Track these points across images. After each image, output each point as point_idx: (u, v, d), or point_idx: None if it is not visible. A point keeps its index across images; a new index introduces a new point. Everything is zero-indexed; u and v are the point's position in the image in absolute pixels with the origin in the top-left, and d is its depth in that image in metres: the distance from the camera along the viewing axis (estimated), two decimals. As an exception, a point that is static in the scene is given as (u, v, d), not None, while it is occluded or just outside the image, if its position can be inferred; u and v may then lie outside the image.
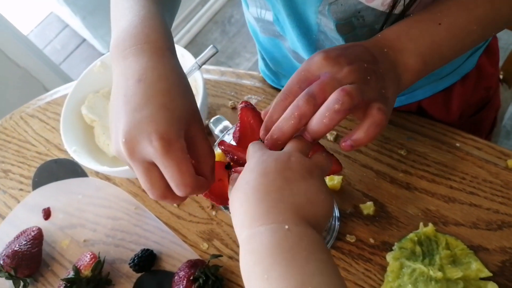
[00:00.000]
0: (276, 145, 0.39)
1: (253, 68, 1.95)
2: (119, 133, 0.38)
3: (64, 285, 0.58)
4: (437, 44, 0.44)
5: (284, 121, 0.38)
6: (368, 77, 0.39)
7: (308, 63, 0.40)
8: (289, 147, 0.39)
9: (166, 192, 0.39)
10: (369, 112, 0.38)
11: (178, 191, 0.38)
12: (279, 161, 0.36)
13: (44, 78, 1.77)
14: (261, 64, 0.74)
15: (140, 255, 0.61)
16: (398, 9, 0.46)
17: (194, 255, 0.61)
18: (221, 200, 0.43)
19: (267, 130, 0.40)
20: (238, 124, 0.45)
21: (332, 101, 0.36)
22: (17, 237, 0.67)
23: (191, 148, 0.40)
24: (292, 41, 0.59)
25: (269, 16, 0.58)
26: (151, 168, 0.38)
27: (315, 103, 0.37)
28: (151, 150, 0.37)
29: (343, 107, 0.36)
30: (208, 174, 0.41)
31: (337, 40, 0.52)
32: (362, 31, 0.50)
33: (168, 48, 0.42)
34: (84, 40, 2.32)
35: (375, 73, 0.40)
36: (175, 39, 0.72)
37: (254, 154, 0.39)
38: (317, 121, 0.37)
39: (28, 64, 1.71)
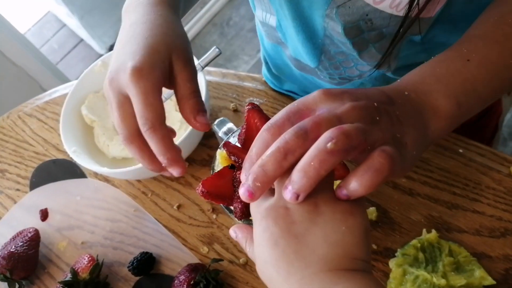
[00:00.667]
0: (258, 191, 0.32)
1: (252, 70, 1.95)
2: (112, 65, 0.43)
3: (61, 288, 0.57)
4: (470, 82, 0.38)
5: (267, 158, 0.31)
6: (377, 117, 0.33)
7: (305, 97, 0.34)
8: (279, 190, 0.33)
9: (135, 133, 0.41)
10: (370, 155, 0.30)
11: (141, 125, 0.39)
12: (279, 220, 0.31)
13: (40, 78, 1.76)
14: (264, 68, 0.74)
15: (139, 258, 0.60)
16: (413, 12, 0.44)
17: (194, 259, 0.60)
18: (221, 199, 0.42)
19: (253, 172, 0.32)
20: (244, 126, 0.44)
21: (324, 139, 0.29)
22: (13, 238, 0.66)
23: (174, 86, 0.43)
24: (294, 48, 0.58)
25: (272, 21, 0.58)
26: (124, 101, 0.40)
27: (306, 138, 0.30)
28: (124, 79, 0.39)
29: (337, 147, 0.29)
30: (186, 114, 0.43)
31: (344, 44, 0.52)
32: (370, 35, 0.50)
33: (164, 1, 0.47)
34: (82, 40, 2.31)
35: (389, 114, 0.34)
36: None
37: (254, 216, 0.34)
38: (304, 163, 0.29)
39: (25, 63, 1.70)
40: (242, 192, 0.32)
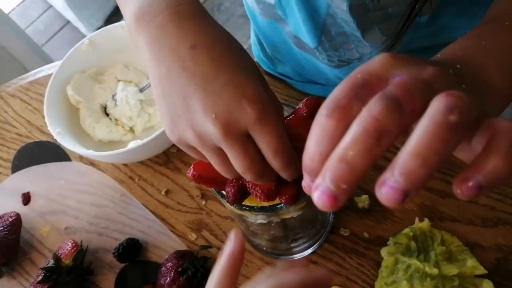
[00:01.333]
0: (343, 195, 0.22)
1: (242, 57, 1.92)
2: (198, 112, 0.32)
3: (43, 274, 0.55)
4: None
5: (353, 147, 0.21)
6: (463, 85, 0.27)
7: (365, 64, 0.26)
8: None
9: (266, 167, 0.34)
10: (496, 126, 0.22)
11: (276, 160, 0.33)
12: None
13: (25, 59, 1.71)
14: (255, 49, 0.72)
15: (125, 244, 0.58)
16: None
17: (182, 246, 0.59)
18: (213, 183, 0.40)
19: (313, 174, 0.24)
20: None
21: (441, 109, 0.21)
22: (-6, 222, 0.63)
23: None
24: (295, 25, 0.56)
25: None
26: (248, 142, 0.33)
27: (402, 113, 0.22)
28: (247, 118, 0.32)
29: (462, 120, 0.20)
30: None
31: (347, 23, 0.50)
32: (375, 15, 0.48)
33: (203, 8, 0.37)
34: (68, 22, 2.25)
35: (466, 83, 0.28)
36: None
37: None
38: (420, 146, 0.20)
39: (9, 43, 1.65)
40: (319, 197, 0.22)
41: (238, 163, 0.34)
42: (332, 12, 0.51)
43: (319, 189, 0.22)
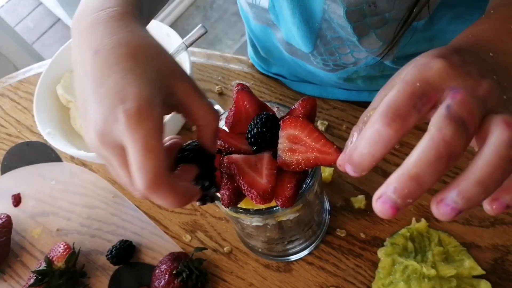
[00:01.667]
0: (405, 206, 0.24)
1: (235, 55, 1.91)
2: (89, 119, 0.31)
3: (35, 277, 0.54)
4: None
5: (425, 169, 0.23)
6: (495, 76, 0.27)
7: (423, 71, 0.26)
8: None
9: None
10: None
11: (138, 177, 0.29)
12: None
13: (14, 57, 1.68)
14: (250, 50, 0.71)
15: (118, 246, 0.57)
16: None
17: (176, 248, 0.58)
18: None
19: (358, 169, 0.26)
20: (232, 108, 0.42)
21: (504, 143, 0.23)
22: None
23: (186, 112, 0.34)
24: (287, 31, 0.55)
25: (264, 2, 0.54)
26: (124, 155, 0.30)
27: (468, 136, 0.24)
28: (118, 127, 0.30)
29: None
30: (209, 142, 0.36)
31: (344, 28, 0.49)
32: (372, 20, 0.48)
33: (128, 12, 0.36)
34: (59, 19, 2.22)
35: (497, 74, 0.28)
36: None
37: None
38: (484, 175, 0.23)
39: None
40: (382, 206, 0.24)
41: (117, 175, 0.33)
42: (327, 18, 0.50)
43: (383, 199, 0.24)
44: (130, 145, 0.30)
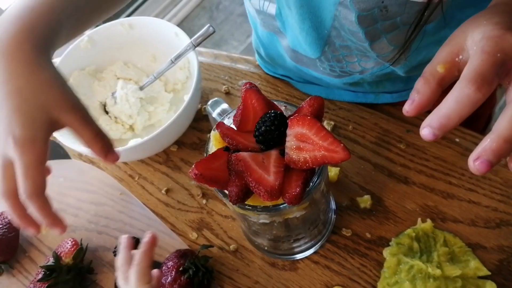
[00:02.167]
0: (495, 164, 0.32)
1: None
2: None
3: (43, 272, 0.54)
4: None
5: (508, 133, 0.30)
6: None
7: (500, 43, 0.31)
8: None
9: (11, 193, 0.42)
10: None
11: (20, 194, 0.41)
12: None
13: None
14: (257, 55, 0.71)
15: None
16: None
17: (182, 245, 0.58)
18: (215, 182, 0.40)
19: (442, 130, 0.31)
20: (240, 106, 0.42)
21: None
22: (-8, 220, 0.63)
23: (75, 135, 0.44)
24: (293, 38, 0.56)
25: (271, 9, 0.55)
26: (8, 165, 0.41)
27: None
28: (8, 148, 0.40)
29: None
30: (101, 156, 0.45)
31: (355, 34, 0.50)
32: (383, 25, 0.48)
33: (27, 41, 0.42)
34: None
35: None
36: (167, 19, 0.68)
37: None
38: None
39: None
40: (480, 165, 0.31)
41: None
42: (337, 25, 0.50)
43: (481, 160, 0.30)
44: (16, 167, 0.41)
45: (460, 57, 0.34)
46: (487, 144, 0.30)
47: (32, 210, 0.43)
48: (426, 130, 0.32)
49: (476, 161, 0.31)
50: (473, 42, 0.33)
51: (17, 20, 0.43)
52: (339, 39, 0.52)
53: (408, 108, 0.35)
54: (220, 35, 2.05)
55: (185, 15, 2.13)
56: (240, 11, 2.09)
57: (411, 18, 0.45)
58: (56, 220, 0.44)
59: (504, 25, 0.32)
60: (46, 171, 0.44)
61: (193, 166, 0.38)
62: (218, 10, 2.13)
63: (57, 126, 0.43)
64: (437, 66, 0.34)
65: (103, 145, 0.45)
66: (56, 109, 0.42)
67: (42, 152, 0.41)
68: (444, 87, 0.35)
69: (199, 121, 0.68)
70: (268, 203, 0.39)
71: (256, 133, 0.40)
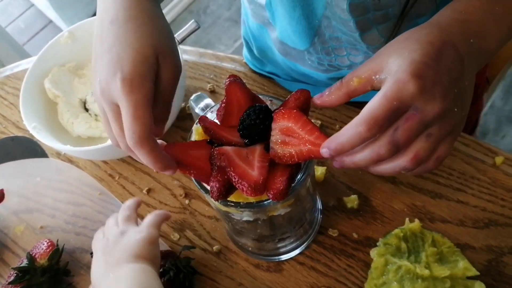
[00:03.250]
0: (343, 167, 0.38)
1: (228, 60, 1.90)
2: (96, 76, 0.40)
3: (15, 274, 0.52)
4: None
5: (361, 160, 0.36)
6: (455, 109, 0.36)
7: (400, 91, 0.34)
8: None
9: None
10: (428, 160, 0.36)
11: (128, 138, 0.37)
12: (99, 244, 0.49)
13: (5, 58, 1.66)
14: (245, 50, 0.70)
15: None
16: None
17: (164, 246, 0.56)
18: (200, 175, 0.38)
19: (335, 152, 0.35)
20: (224, 100, 0.40)
21: (400, 167, 0.36)
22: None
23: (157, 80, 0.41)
24: (282, 30, 0.55)
25: None
26: (118, 110, 0.39)
27: (397, 152, 0.35)
28: (115, 90, 0.38)
29: (406, 172, 0.36)
30: (158, 118, 0.41)
31: (346, 23, 0.49)
32: (375, 15, 0.47)
33: None
34: (51, 21, 2.20)
35: (461, 95, 0.37)
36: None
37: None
38: (380, 169, 0.37)
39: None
40: (339, 164, 0.37)
41: (110, 128, 0.41)
42: (329, 14, 0.49)
43: (341, 161, 0.37)
44: (123, 108, 0.38)
45: (377, 76, 0.37)
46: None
47: (142, 157, 0.38)
48: (324, 151, 0.35)
49: (334, 162, 0.38)
50: (389, 70, 0.36)
51: None
52: (329, 29, 0.51)
53: (316, 100, 0.39)
54: (207, 39, 2.04)
55: (172, 18, 2.11)
56: (228, 16, 2.08)
57: (400, 10, 0.44)
58: (168, 161, 0.39)
59: (416, 68, 0.34)
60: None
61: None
62: (205, 14, 2.12)
63: (158, 70, 0.41)
64: (354, 78, 0.38)
65: (166, 113, 0.43)
66: (165, 56, 0.40)
67: (151, 92, 0.39)
68: (352, 97, 0.38)
69: (183, 120, 0.66)
70: (252, 199, 0.38)
71: (240, 127, 0.39)
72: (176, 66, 0.42)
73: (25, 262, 0.53)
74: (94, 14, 0.54)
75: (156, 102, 0.40)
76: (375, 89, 0.37)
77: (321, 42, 0.54)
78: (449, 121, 0.36)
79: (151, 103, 0.38)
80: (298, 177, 0.38)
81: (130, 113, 0.37)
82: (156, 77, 0.40)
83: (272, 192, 0.36)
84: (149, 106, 0.38)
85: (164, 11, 2.06)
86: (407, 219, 0.52)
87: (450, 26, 0.38)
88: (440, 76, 0.35)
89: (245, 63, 0.71)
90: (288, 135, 0.37)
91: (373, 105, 0.34)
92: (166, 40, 0.42)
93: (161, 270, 0.49)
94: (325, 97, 0.39)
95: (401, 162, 0.35)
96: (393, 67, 0.35)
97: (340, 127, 0.61)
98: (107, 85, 0.38)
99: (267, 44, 0.62)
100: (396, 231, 0.52)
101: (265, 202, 0.38)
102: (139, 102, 0.37)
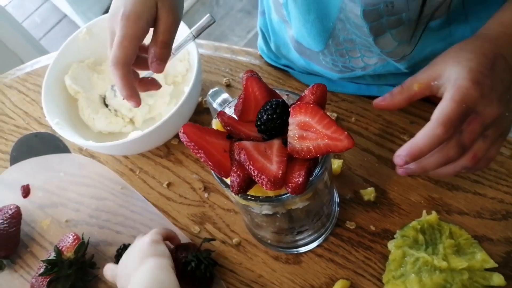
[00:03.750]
0: (409, 173, 0.42)
1: (242, 51, 1.90)
2: (110, 10, 0.50)
3: (44, 267, 0.54)
4: None
5: (430, 164, 0.40)
6: (507, 113, 0.40)
7: (466, 95, 0.38)
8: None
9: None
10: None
11: (110, 59, 0.47)
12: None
13: (21, 52, 1.69)
14: (260, 41, 0.70)
15: (127, 245, 0.56)
16: None
17: (185, 239, 0.58)
18: (219, 170, 0.39)
19: (412, 158, 0.39)
20: (242, 95, 0.41)
21: (461, 166, 0.40)
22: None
23: (155, 26, 0.50)
24: (297, 30, 0.55)
25: None
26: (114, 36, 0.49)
27: (463, 153, 0.39)
28: (115, 22, 0.48)
29: (466, 171, 0.41)
30: (151, 59, 0.50)
31: (359, 28, 0.49)
32: (388, 20, 0.47)
33: None
34: (65, 15, 2.23)
35: (511, 101, 0.41)
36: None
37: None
38: (443, 171, 0.41)
39: (5, 36, 1.63)
40: (407, 172, 0.42)
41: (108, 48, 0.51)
42: (343, 17, 0.50)
43: (407, 168, 0.41)
44: (116, 37, 0.47)
45: (435, 82, 0.41)
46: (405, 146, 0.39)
47: (114, 79, 0.48)
48: (399, 159, 0.39)
49: (399, 169, 0.42)
50: (448, 77, 0.40)
51: None
52: (344, 32, 0.52)
53: (378, 103, 0.44)
54: (220, 30, 2.04)
55: (185, 10, 2.11)
56: (240, 7, 2.08)
57: (416, 15, 0.45)
58: (133, 93, 0.49)
59: (476, 76, 0.39)
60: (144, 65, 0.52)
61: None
62: (218, 6, 2.12)
63: (156, 14, 0.49)
64: (414, 83, 0.42)
65: (165, 53, 0.50)
66: (164, 2, 0.48)
67: (142, 30, 0.47)
68: (412, 101, 0.43)
69: (200, 114, 0.67)
70: (271, 193, 0.39)
71: (258, 122, 0.39)
72: (172, 11, 0.49)
73: (53, 255, 0.55)
74: (108, 8, 0.57)
75: (156, 42, 0.49)
76: (433, 94, 0.42)
77: (335, 44, 0.54)
78: (502, 124, 0.40)
79: (139, 39, 0.48)
80: (316, 171, 0.39)
81: (118, 41, 0.47)
82: (156, 19, 0.48)
83: (290, 186, 0.37)
84: (136, 41, 0.47)
85: (177, 3, 2.08)
86: (424, 211, 0.53)
87: (499, 39, 0.42)
88: (495, 84, 0.39)
89: (260, 55, 0.72)
90: (306, 130, 0.37)
91: (445, 109, 0.38)
92: None
93: (183, 261, 0.51)
94: (388, 101, 0.43)
95: (462, 162, 0.39)
96: (452, 74, 0.40)
97: (356, 120, 0.62)
98: (112, 16, 0.49)
99: (284, 40, 0.63)
100: (414, 223, 0.52)
101: (284, 196, 0.39)
102: (128, 35, 0.47)
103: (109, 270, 0.53)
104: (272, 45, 0.67)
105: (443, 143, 0.38)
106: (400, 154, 0.39)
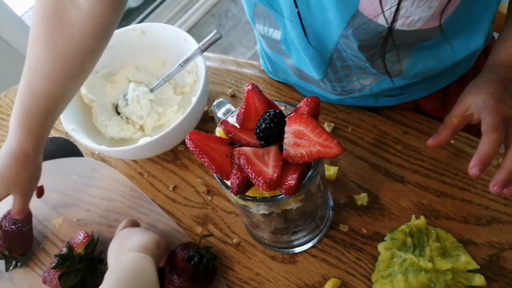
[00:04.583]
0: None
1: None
2: None
3: (57, 261, 0.58)
4: None
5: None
6: None
7: (496, 108, 0.48)
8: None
9: None
10: None
11: None
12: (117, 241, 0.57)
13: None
14: (262, 62, 0.75)
15: None
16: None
17: (188, 239, 0.61)
18: (221, 173, 0.43)
19: (483, 164, 0.46)
20: (243, 106, 0.45)
21: None
22: (4, 216, 0.65)
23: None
24: (298, 59, 0.59)
25: (276, 35, 0.58)
26: None
27: None
28: None
29: None
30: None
31: (357, 57, 0.53)
32: (382, 48, 0.51)
33: (26, 128, 0.58)
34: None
35: None
36: (177, 25, 0.72)
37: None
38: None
39: (21, 45, 1.68)
40: (498, 190, 0.47)
41: None
42: (340, 48, 0.54)
43: (498, 184, 0.47)
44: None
45: (468, 112, 0.50)
46: (498, 175, 0.46)
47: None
48: (474, 169, 0.46)
49: (493, 187, 0.47)
50: (476, 105, 0.49)
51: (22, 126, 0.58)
52: (340, 60, 0.56)
53: (431, 142, 0.52)
54: (228, 41, 2.09)
55: (195, 22, 2.17)
56: (248, 19, 2.12)
57: (406, 40, 0.49)
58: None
59: (497, 96, 0.49)
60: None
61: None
62: (227, 18, 2.17)
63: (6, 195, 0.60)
64: (453, 118, 0.51)
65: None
66: (13, 189, 0.60)
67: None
68: (456, 132, 0.52)
69: (206, 122, 0.71)
70: (267, 194, 0.42)
71: (257, 130, 0.43)
72: (23, 198, 0.61)
73: (65, 251, 0.59)
74: (121, 19, 0.60)
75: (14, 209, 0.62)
76: (470, 122, 0.51)
77: (333, 72, 0.58)
78: None
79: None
80: (308, 175, 0.43)
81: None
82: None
83: (284, 188, 0.40)
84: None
85: (186, 15, 2.13)
86: (413, 216, 0.56)
87: (506, 67, 0.53)
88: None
89: (263, 69, 0.76)
90: (300, 138, 0.41)
91: (489, 121, 0.47)
92: (19, 179, 0.59)
93: (186, 257, 0.54)
94: (438, 138, 0.52)
95: None
96: (478, 101, 0.49)
97: (353, 130, 0.65)
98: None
99: (282, 67, 0.67)
100: (403, 227, 0.55)
101: (279, 197, 0.42)
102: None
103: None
104: (270, 69, 0.71)
105: (501, 144, 0.46)
106: (474, 166, 0.46)
